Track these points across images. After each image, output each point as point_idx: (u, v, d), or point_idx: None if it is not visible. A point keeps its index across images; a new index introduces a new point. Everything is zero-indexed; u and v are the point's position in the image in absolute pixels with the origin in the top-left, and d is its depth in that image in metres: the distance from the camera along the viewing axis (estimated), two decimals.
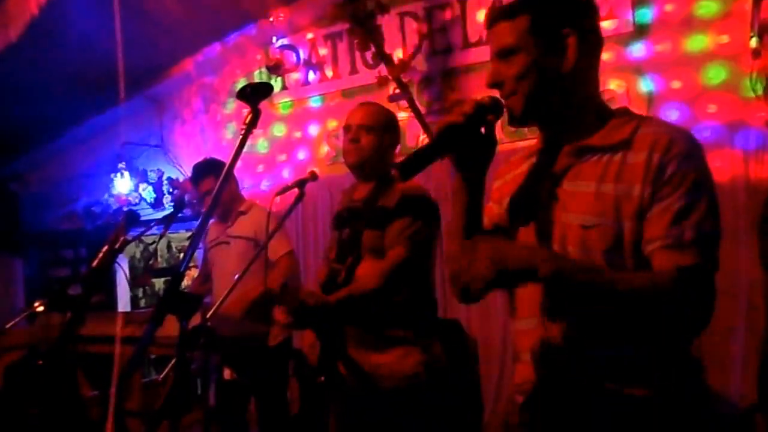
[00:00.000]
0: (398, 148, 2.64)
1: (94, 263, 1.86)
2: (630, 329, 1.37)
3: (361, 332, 2.41)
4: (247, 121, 1.55)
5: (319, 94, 5.64)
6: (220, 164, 3.67)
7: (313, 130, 5.63)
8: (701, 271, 1.32)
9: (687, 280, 1.30)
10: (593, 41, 1.49)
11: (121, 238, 1.84)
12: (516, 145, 4.75)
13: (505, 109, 1.50)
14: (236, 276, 2.61)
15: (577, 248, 1.40)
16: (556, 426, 1.45)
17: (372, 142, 2.48)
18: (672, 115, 4.20)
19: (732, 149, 4.04)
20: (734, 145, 4.03)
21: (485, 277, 1.27)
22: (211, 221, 3.80)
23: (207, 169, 3.66)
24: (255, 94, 1.55)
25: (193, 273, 5.55)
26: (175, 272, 1.44)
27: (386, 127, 2.54)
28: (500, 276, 1.27)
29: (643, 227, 1.35)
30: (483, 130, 1.48)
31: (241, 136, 1.54)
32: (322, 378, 2.42)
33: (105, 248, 1.86)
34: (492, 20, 1.49)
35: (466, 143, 1.46)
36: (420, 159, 1.43)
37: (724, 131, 4.07)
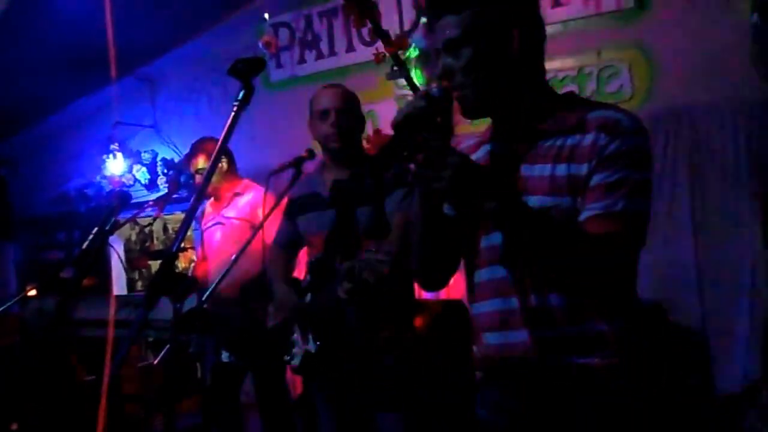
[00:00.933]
0: (373, 126, 2.68)
1: (84, 245, 1.80)
2: (583, 304, 1.45)
3: (355, 309, 2.38)
4: (239, 98, 1.48)
5: (315, 72, 5.55)
6: (215, 141, 3.59)
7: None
8: (625, 240, 1.41)
9: (611, 244, 1.39)
10: (536, 31, 1.55)
11: (113, 220, 1.78)
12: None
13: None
14: (232, 257, 2.55)
15: None
16: (521, 403, 1.52)
17: (354, 125, 2.54)
18: (674, 90, 4.14)
19: (735, 123, 3.97)
20: (738, 123, 3.97)
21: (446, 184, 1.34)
22: (208, 202, 3.73)
23: (200, 146, 3.58)
24: (247, 70, 1.49)
25: (190, 255, 5.50)
26: (167, 253, 1.38)
27: (359, 108, 2.60)
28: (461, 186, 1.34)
29: (582, 198, 1.43)
30: (439, 119, 1.49)
31: (233, 113, 1.48)
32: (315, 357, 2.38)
33: (95, 230, 1.80)
34: (437, 12, 1.54)
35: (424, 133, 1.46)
36: (385, 155, 1.54)
37: (728, 103, 4.00)
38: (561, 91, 1.62)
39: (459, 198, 1.45)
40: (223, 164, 3.59)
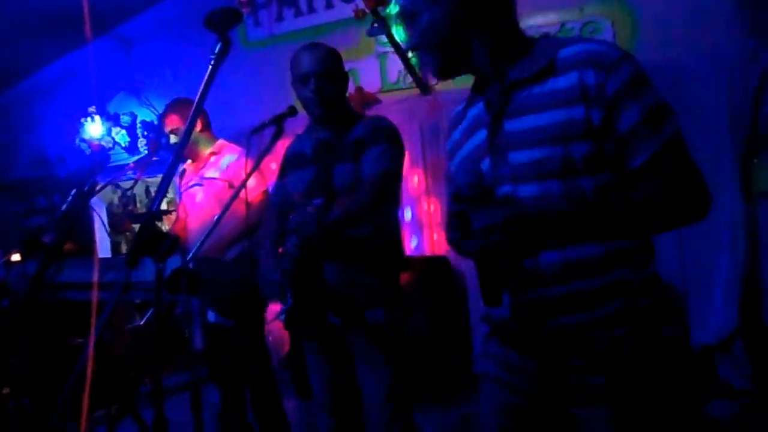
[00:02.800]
0: (355, 83, 2.63)
1: (63, 207, 1.78)
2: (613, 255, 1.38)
3: (335, 265, 2.39)
4: (216, 51, 1.45)
5: (294, 30, 5.48)
6: (189, 102, 3.54)
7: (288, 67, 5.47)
8: (689, 163, 1.36)
9: (685, 174, 1.35)
10: None
11: (91, 181, 1.76)
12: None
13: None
14: (215, 217, 2.54)
15: (533, 185, 1.39)
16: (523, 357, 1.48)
17: (334, 89, 2.47)
18: (657, 47, 4.13)
19: (717, 80, 3.98)
20: (720, 80, 3.97)
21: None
22: (186, 163, 3.69)
23: (173, 106, 3.52)
24: (223, 21, 1.44)
25: (173, 217, 5.48)
26: (149, 212, 1.37)
27: (340, 68, 2.52)
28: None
29: (617, 147, 1.35)
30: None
31: (210, 68, 1.45)
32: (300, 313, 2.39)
33: (74, 192, 1.78)
34: None
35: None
36: None
37: (706, 60, 4.00)
38: None
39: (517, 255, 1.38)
40: (198, 125, 3.54)
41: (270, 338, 5.46)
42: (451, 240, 1.45)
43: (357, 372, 2.45)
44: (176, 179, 3.78)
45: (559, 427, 1.45)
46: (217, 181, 3.44)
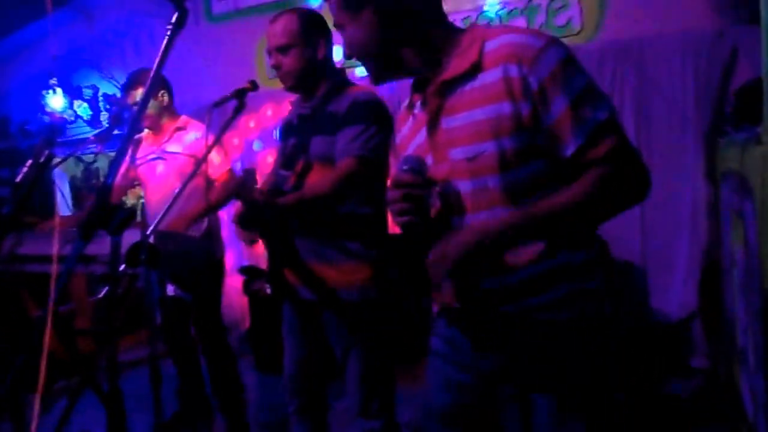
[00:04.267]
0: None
1: (18, 179, 1.76)
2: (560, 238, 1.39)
3: (310, 243, 2.35)
4: (172, 21, 1.44)
5: (259, 4, 5.41)
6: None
7: (254, 42, 5.42)
8: (621, 150, 1.33)
9: (619, 158, 1.32)
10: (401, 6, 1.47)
11: (46, 152, 1.74)
12: None
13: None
14: (176, 191, 2.53)
15: (469, 181, 1.41)
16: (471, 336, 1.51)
17: (294, 61, 2.35)
18: (623, 24, 4.16)
19: (683, 57, 4.02)
20: (686, 59, 4.01)
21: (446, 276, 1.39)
22: (143, 135, 3.64)
23: (138, 78, 3.47)
24: None
25: (138, 191, 5.42)
26: (103, 185, 1.36)
27: (305, 36, 2.36)
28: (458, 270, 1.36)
29: (548, 138, 1.35)
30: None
31: (166, 38, 1.44)
32: (269, 290, 2.38)
33: (29, 162, 1.76)
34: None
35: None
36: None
37: (676, 38, 4.04)
38: (509, 22, 1.59)
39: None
40: (164, 97, 3.50)
41: (231, 314, 5.48)
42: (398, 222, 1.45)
43: (333, 352, 2.42)
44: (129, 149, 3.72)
45: (500, 404, 1.50)
46: (180, 156, 3.41)
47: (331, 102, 2.35)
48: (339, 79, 2.42)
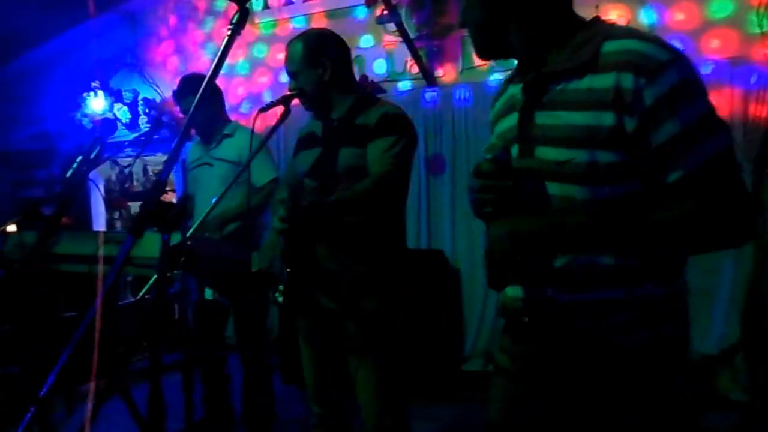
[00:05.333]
0: (360, 71, 2.54)
1: (68, 173, 1.75)
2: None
3: (330, 250, 2.34)
4: (233, 21, 1.42)
5: (303, 15, 5.45)
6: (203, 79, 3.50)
7: None
8: (735, 183, 1.22)
9: (726, 195, 1.21)
10: None
11: (98, 148, 1.73)
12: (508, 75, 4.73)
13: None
14: (215, 198, 2.53)
15: (555, 185, 1.33)
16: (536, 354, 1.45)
17: (305, 86, 2.41)
18: None
19: (732, 86, 3.97)
20: (734, 83, 3.96)
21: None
22: (194, 141, 3.65)
23: (190, 85, 3.48)
24: None
25: (170, 197, 5.44)
26: (157, 182, 1.34)
27: (309, 61, 2.40)
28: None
29: (652, 159, 1.24)
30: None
31: (226, 38, 1.42)
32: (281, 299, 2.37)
33: (80, 158, 1.75)
34: None
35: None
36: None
37: (725, 67, 3.99)
38: None
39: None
40: (213, 103, 3.51)
41: None
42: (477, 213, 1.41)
43: (348, 362, 2.41)
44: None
45: (564, 424, 1.43)
46: (226, 163, 3.41)
47: (359, 115, 2.38)
48: (364, 93, 2.48)
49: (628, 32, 1.31)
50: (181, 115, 3.51)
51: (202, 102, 1.48)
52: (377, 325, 2.33)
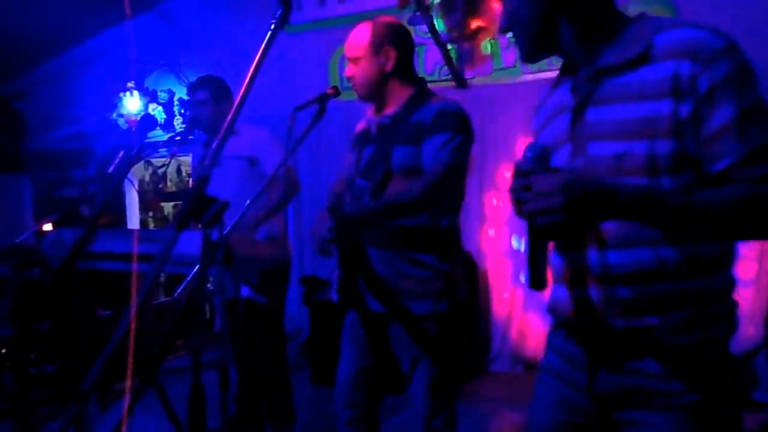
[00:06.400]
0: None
1: (110, 168, 1.76)
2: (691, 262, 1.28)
3: (383, 253, 2.31)
4: (277, 17, 1.42)
5: (336, 16, 5.46)
6: (222, 81, 3.55)
7: (330, 53, 5.47)
8: None
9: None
10: None
11: (141, 144, 1.74)
12: (538, 76, 4.71)
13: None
14: (233, 195, 2.53)
15: (612, 179, 1.29)
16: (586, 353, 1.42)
17: (365, 72, 2.37)
18: None
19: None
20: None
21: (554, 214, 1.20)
22: (198, 143, 3.65)
23: (208, 80, 3.51)
24: None
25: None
26: (200, 176, 1.34)
27: (374, 47, 2.38)
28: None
29: (702, 147, 1.24)
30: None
31: (270, 33, 1.42)
32: (335, 299, 2.36)
33: (122, 154, 1.76)
34: None
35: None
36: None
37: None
38: None
39: (578, 226, 1.25)
40: (226, 104, 3.52)
41: (290, 324, 5.47)
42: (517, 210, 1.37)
43: (398, 364, 2.37)
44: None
45: (613, 428, 1.40)
46: (231, 160, 3.40)
47: (414, 112, 2.33)
48: (420, 89, 2.41)
49: (680, 22, 1.31)
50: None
51: (244, 98, 1.47)
52: (433, 325, 2.29)
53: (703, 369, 1.31)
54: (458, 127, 2.27)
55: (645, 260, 1.29)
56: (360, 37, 2.39)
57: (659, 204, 1.23)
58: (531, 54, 1.47)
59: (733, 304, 1.36)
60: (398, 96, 2.40)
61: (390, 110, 2.40)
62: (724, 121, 1.21)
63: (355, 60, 2.39)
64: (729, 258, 1.34)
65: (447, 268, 2.32)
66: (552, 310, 1.51)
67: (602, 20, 1.40)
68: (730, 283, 1.35)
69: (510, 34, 1.50)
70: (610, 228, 1.32)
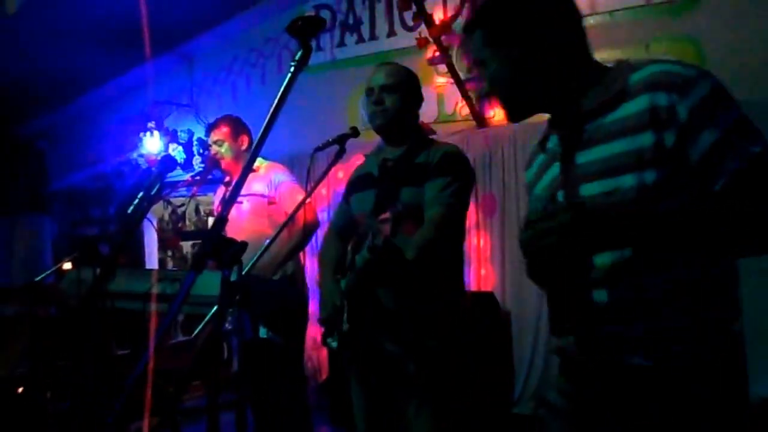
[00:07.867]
0: (422, 106, 2.56)
1: (130, 209, 1.77)
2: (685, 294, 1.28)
3: (391, 292, 2.31)
4: (297, 58, 1.42)
5: (355, 57, 5.52)
6: (240, 120, 3.59)
7: (348, 93, 5.51)
8: None
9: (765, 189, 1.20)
10: (559, 26, 1.42)
11: (159, 184, 1.74)
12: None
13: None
14: (251, 234, 2.53)
15: None
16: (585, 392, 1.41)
17: (396, 102, 2.43)
18: None
19: None
20: None
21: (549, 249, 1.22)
22: (222, 180, 3.67)
23: (226, 119, 3.55)
24: (306, 29, 1.41)
25: None
26: (218, 218, 1.33)
27: (408, 86, 2.49)
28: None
29: (696, 170, 1.24)
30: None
31: (290, 74, 1.42)
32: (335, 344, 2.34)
33: (141, 194, 1.77)
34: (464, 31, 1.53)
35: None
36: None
37: None
38: None
39: (576, 253, 1.26)
40: (244, 143, 3.54)
41: (309, 364, 5.42)
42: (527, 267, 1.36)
43: (406, 405, 2.34)
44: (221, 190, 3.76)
45: None
46: (255, 197, 3.41)
47: (418, 155, 2.41)
48: (422, 134, 2.52)
49: (651, 60, 1.36)
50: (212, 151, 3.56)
51: (264, 136, 1.47)
52: (439, 366, 2.29)
53: (709, 408, 1.28)
54: (458, 172, 2.38)
55: (645, 297, 1.29)
56: (400, 72, 2.50)
57: (649, 213, 1.24)
58: (515, 114, 1.51)
59: (738, 343, 1.33)
60: (401, 137, 2.47)
61: (391, 154, 2.47)
62: (710, 142, 1.23)
63: (389, 88, 2.44)
64: (729, 305, 1.33)
65: (453, 304, 2.38)
66: (557, 349, 1.50)
67: (583, 71, 1.43)
68: (734, 334, 1.33)
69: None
70: (606, 263, 1.32)
